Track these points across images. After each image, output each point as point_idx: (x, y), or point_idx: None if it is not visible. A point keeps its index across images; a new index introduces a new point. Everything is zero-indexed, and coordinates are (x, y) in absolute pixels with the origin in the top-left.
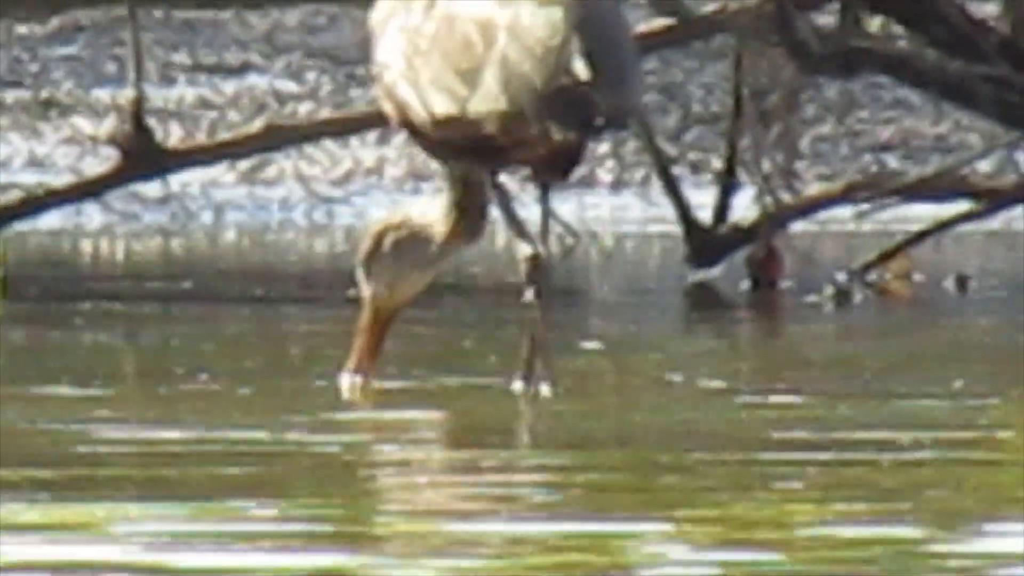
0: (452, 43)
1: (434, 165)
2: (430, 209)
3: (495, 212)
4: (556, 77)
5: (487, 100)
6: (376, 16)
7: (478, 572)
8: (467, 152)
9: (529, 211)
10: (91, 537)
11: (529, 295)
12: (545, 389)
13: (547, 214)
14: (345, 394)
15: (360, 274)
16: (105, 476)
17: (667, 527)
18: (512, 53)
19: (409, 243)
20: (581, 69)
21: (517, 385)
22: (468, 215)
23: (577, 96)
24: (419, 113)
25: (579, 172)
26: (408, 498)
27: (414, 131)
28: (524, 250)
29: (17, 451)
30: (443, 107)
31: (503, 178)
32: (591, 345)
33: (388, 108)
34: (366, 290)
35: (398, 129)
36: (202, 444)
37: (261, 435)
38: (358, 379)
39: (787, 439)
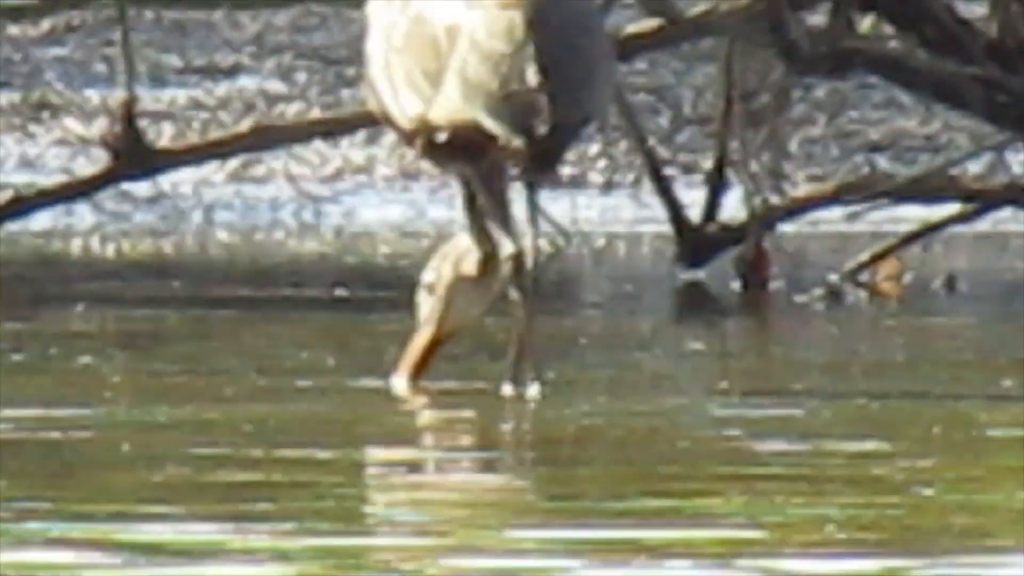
0: (422, 44)
1: (423, 164)
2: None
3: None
4: (508, 84)
5: (446, 104)
6: (370, 8)
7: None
8: (443, 150)
9: (516, 209)
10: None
11: (514, 294)
12: (533, 391)
13: (535, 213)
14: (399, 395)
15: (423, 296)
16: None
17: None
18: (471, 59)
19: (475, 282)
20: (531, 75)
21: (506, 387)
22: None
23: (528, 104)
24: (394, 112)
25: (570, 172)
26: (396, 499)
27: (396, 129)
28: (506, 248)
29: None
30: (413, 107)
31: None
32: (581, 345)
33: (372, 103)
34: (433, 311)
35: (384, 124)
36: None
37: (255, 444)
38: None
39: (773, 448)
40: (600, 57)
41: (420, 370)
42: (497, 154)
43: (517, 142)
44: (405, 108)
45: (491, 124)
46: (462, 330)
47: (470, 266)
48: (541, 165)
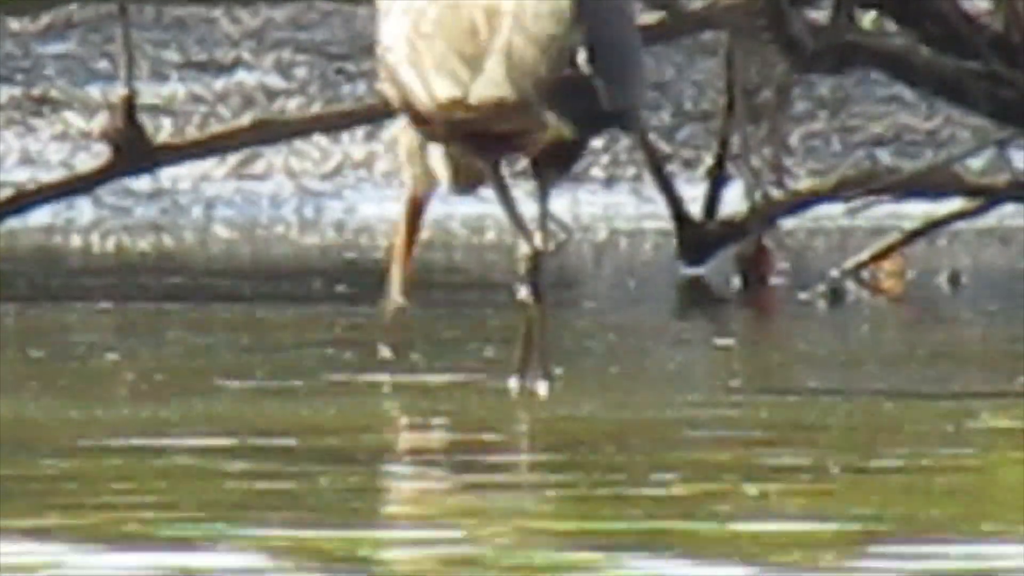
0: (457, 28)
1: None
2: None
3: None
4: (560, 68)
5: (490, 87)
6: None
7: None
8: (469, 139)
9: (524, 207)
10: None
11: (525, 293)
12: (541, 387)
13: (544, 210)
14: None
15: (400, 161)
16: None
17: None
18: (517, 41)
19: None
20: (584, 63)
21: (513, 383)
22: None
23: (580, 88)
24: (421, 97)
25: (574, 168)
26: (400, 496)
27: (416, 116)
28: (524, 248)
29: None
30: (446, 91)
31: (505, 173)
32: (584, 342)
33: (390, 91)
34: (405, 175)
35: (400, 112)
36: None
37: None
38: (401, 300)
39: (774, 440)
40: (639, 49)
41: (410, 248)
42: (535, 141)
43: (568, 130)
44: (436, 92)
45: (541, 109)
46: (432, 189)
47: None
48: (566, 158)
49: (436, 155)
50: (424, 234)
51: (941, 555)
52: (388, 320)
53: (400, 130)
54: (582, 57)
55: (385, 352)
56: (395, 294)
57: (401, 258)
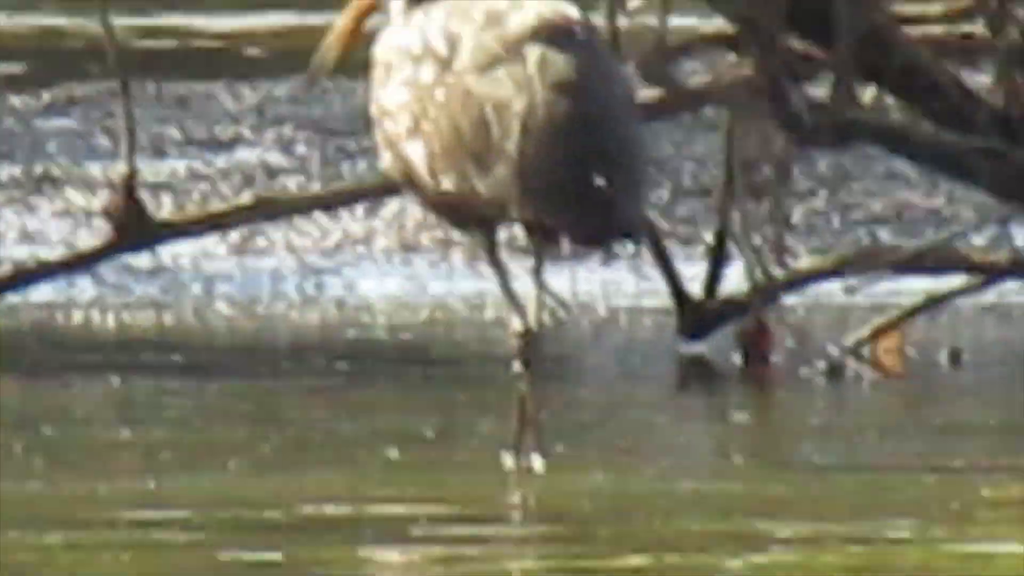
0: (466, 119)
1: (427, 232)
2: None
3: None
4: (572, 182)
5: (498, 190)
6: (382, 53)
7: None
8: (467, 216)
9: (522, 283)
10: None
11: (519, 368)
12: (535, 463)
13: (541, 286)
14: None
15: None
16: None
17: None
18: (527, 149)
19: None
20: (599, 178)
21: (508, 459)
22: None
23: (593, 205)
24: (424, 178)
25: (568, 244)
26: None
27: (415, 187)
28: (516, 325)
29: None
30: (451, 185)
31: (500, 246)
32: (585, 417)
33: (387, 157)
34: None
35: (394, 189)
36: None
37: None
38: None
39: (775, 512)
40: (645, 144)
41: (352, 35)
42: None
43: (579, 239)
44: (442, 184)
45: (552, 218)
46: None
47: None
48: (554, 241)
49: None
50: (426, 312)
51: None
52: (308, 80)
53: None
54: (595, 174)
55: None
56: (318, 66)
57: (339, 38)
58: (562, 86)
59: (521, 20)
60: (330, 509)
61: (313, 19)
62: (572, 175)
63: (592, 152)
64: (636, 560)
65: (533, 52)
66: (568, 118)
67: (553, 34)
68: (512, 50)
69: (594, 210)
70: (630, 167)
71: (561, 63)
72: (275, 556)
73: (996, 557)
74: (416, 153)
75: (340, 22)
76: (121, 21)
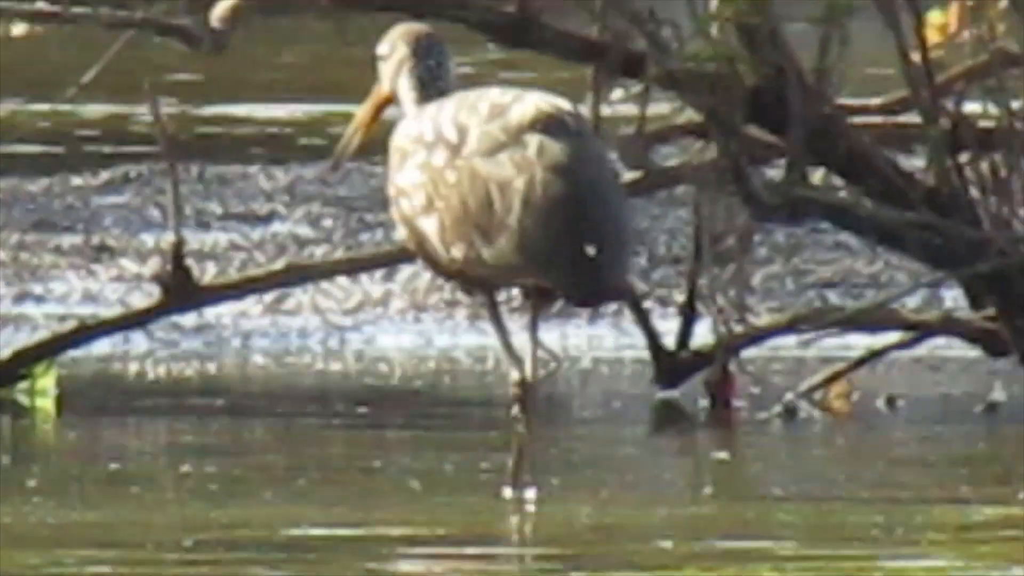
0: (474, 197)
1: (436, 294)
2: None
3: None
4: (567, 251)
5: (502, 258)
6: (398, 141)
7: None
8: (473, 280)
9: (518, 338)
10: None
11: (517, 412)
12: (530, 493)
13: (535, 341)
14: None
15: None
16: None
17: None
18: (526, 221)
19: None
20: (590, 248)
21: (507, 491)
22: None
23: (585, 271)
24: (436, 248)
25: (560, 304)
26: None
27: (427, 257)
28: (514, 375)
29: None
30: (460, 254)
31: (501, 305)
32: (573, 455)
33: (403, 230)
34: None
35: (408, 257)
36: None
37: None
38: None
39: (734, 538)
40: (629, 216)
41: (369, 125)
42: (538, 298)
43: (569, 302)
44: (453, 253)
45: (549, 282)
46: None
47: None
48: (551, 298)
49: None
50: (432, 363)
51: None
52: (333, 164)
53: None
54: (587, 245)
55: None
56: (344, 146)
57: (360, 126)
58: (557, 168)
59: (521, 112)
60: (348, 531)
61: (337, 107)
62: (566, 245)
63: (583, 225)
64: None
65: (532, 140)
66: (563, 196)
67: (548, 124)
68: (513, 137)
69: (585, 276)
70: (616, 239)
71: (556, 149)
72: (303, 570)
73: (931, 571)
74: (430, 227)
75: (360, 112)
76: (169, 110)
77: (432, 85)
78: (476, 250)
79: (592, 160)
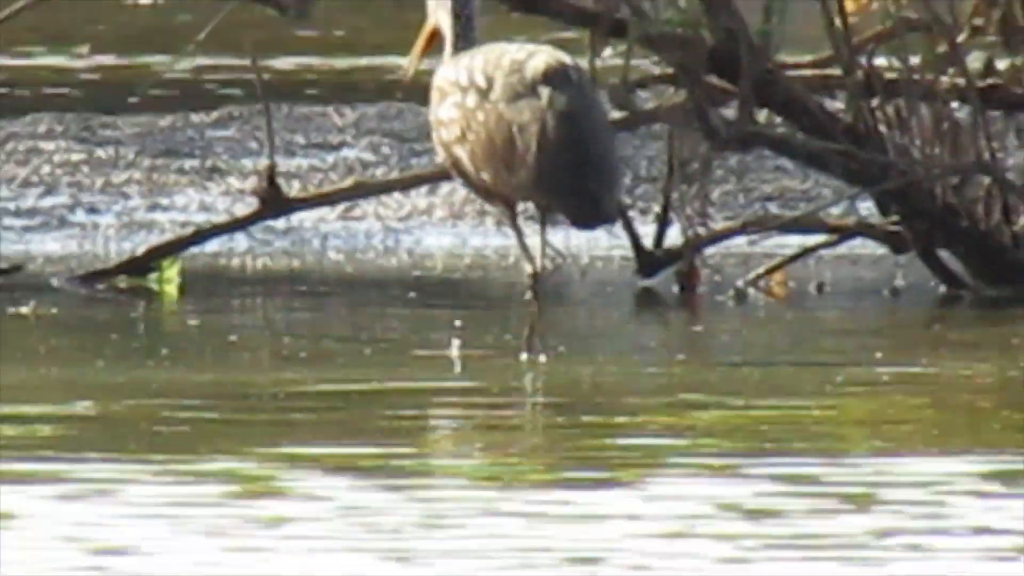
0: (499, 134)
1: (470, 205)
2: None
3: (510, 238)
4: (573, 184)
5: (520, 187)
6: (438, 82)
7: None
8: (497, 196)
9: (532, 240)
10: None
11: (530, 296)
12: (542, 357)
13: (544, 242)
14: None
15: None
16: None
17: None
18: (543, 161)
19: None
20: (591, 182)
21: (523, 355)
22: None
23: (587, 201)
24: (469, 169)
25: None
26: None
27: (462, 173)
28: (527, 267)
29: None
30: (488, 176)
31: (519, 215)
32: (574, 328)
33: (442, 155)
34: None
35: (447, 177)
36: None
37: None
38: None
39: (702, 392)
40: (618, 154)
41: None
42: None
43: (573, 225)
44: (481, 174)
45: (557, 206)
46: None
47: None
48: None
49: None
50: (466, 259)
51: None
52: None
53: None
54: (587, 174)
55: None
56: (408, 67)
57: (417, 53)
58: (562, 116)
59: (534, 67)
60: (400, 384)
61: (392, 60)
62: (571, 180)
63: (583, 163)
64: (616, 419)
65: (544, 91)
66: (567, 139)
67: (555, 77)
68: (529, 89)
69: (585, 204)
70: (608, 174)
71: (562, 99)
72: (365, 414)
73: (848, 418)
74: (463, 154)
75: (417, 43)
76: (264, 62)
77: (464, 37)
78: (501, 177)
79: (589, 107)
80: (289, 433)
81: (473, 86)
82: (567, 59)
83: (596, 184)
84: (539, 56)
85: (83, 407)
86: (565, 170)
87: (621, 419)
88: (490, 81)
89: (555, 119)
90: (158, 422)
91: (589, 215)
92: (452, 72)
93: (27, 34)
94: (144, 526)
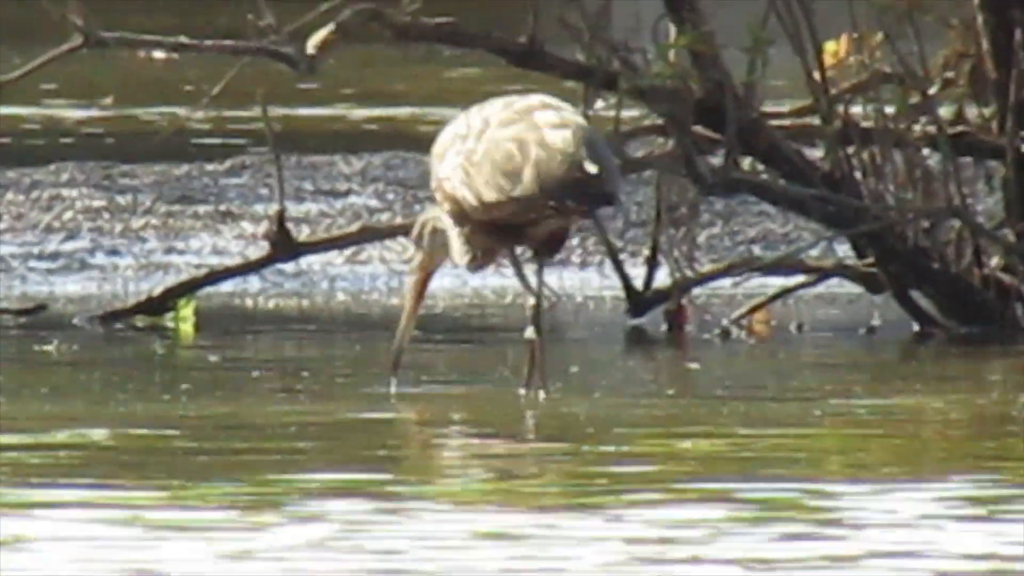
0: (499, 155)
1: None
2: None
3: (509, 277)
4: (573, 171)
5: (526, 188)
6: (437, 148)
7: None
8: (499, 233)
9: (530, 280)
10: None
11: (530, 331)
12: (541, 393)
13: (541, 282)
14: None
15: (412, 246)
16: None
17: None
18: (543, 157)
19: (438, 232)
20: (590, 166)
21: (521, 390)
22: (480, 256)
23: (588, 183)
24: (472, 203)
25: (560, 256)
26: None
27: (466, 218)
28: (529, 301)
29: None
30: (492, 196)
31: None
32: (569, 365)
33: (447, 206)
34: (416, 255)
35: (455, 219)
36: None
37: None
38: (404, 340)
39: (689, 425)
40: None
41: (415, 308)
42: (538, 230)
43: (579, 209)
44: (485, 198)
45: (562, 198)
46: (435, 270)
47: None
48: (556, 245)
49: (456, 244)
50: (466, 299)
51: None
52: (393, 360)
53: (427, 217)
54: (588, 164)
55: (392, 384)
56: (400, 343)
57: (409, 317)
58: (557, 126)
59: (527, 101)
60: (405, 415)
61: (397, 111)
62: (571, 171)
63: (581, 155)
64: (609, 448)
65: (537, 113)
66: (564, 140)
67: (548, 106)
68: (522, 115)
69: (587, 187)
70: (606, 161)
71: (556, 116)
72: (370, 439)
73: (827, 447)
74: (468, 193)
75: (407, 305)
76: (275, 112)
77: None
78: (505, 191)
79: (583, 123)
80: (299, 462)
81: (472, 130)
82: (561, 103)
83: (595, 170)
84: (532, 96)
85: (103, 437)
86: (564, 159)
87: (612, 448)
88: (486, 121)
89: (550, 129)
90: (174, 452)
91: (591, 195)
92: (451, 128)
93: (46, 86)
94: (161, 548)
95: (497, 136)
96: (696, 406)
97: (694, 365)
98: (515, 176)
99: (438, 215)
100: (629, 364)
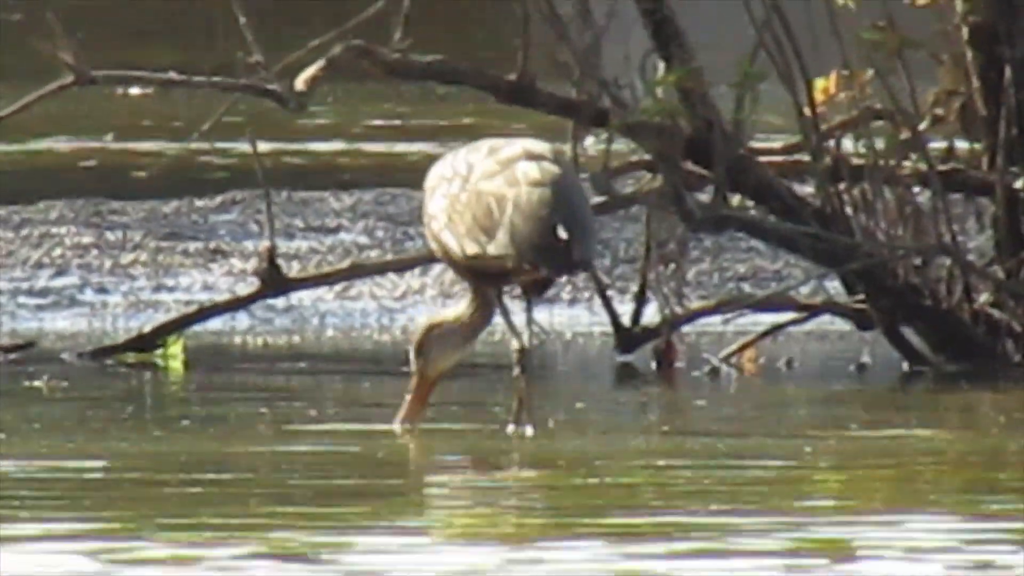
0: (479, 208)
1: (458, 285)
2: (456, 311)
3: (497, 316)
4: (545, 236)
5: (500, 248)
6: (429, 183)
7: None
8: (485, 276)
9: (518, 318)
10: None
11: (517, 372)
12: (528, 430)
13: (530, 320)
14: (397, 434)
15: (412, 354)
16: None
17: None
18: (516, 219)
19: (446, 334)
20: (562, 232)
21: (510, 428)
22: (479, 315)
23: (559, 250)
24: (456, 251)
25: (549, 293)
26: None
27: (451, 262)
28: (515, 343)
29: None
30: (472, 249)
31: (505, 295)
32: (559, 402)
33: (434, 246)
34: (416, 364)
35: (438, 260)
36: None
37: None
38: (407, 425)
39: (679, 458)
40: (593, 217)
41: (418, 410)
42: (521, 279)
43: (550, 274)
44: (466, 250)
45: (533, 262)
46: (443, 375)
47: (458, 324)
48: (543, 287)
49: (453, 357)
50: None
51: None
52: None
53: (428, 323)
54: (560, 230)
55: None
56: (405, 422)
57: (418, 405)
58: (536, 183)
59: (510, 150)
60: (390, 451)
61: (386, 147)
62: (544, 235)
63: (556, 219)
64: (593, 480)
65: (519, 166)
66: (540, 201)
67: (531, 157)
68: (504, 166)
69: (559, 254)
70: (580, 228)
71: (536, 171)
72: (362, 472)
73: (819, 480)
74: (450, 238)
75: (413, 398)
76: (264, 148)
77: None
78: (483, 247)
79: (564, 178)
80: (288, 497)
81: (457, 175)
82: (545, 147)
83: (568, 232)
84: (517, 143)
85: (94, 472)
86: (537, 227)
87: (603, 482)
88: (470, 167)
89: (528, 187)
90: (163, 486)
91: (562, 262)
92: (440, 168)
93: (37, 123)
94: None
95: (479, 189)
96: (685, 442)
97: (683, 401)
98: (492, 233)
99: (443, 317)
100: (618, 401)
